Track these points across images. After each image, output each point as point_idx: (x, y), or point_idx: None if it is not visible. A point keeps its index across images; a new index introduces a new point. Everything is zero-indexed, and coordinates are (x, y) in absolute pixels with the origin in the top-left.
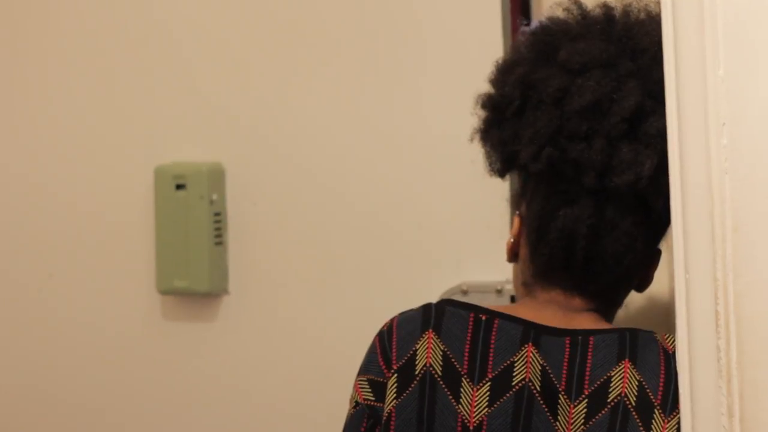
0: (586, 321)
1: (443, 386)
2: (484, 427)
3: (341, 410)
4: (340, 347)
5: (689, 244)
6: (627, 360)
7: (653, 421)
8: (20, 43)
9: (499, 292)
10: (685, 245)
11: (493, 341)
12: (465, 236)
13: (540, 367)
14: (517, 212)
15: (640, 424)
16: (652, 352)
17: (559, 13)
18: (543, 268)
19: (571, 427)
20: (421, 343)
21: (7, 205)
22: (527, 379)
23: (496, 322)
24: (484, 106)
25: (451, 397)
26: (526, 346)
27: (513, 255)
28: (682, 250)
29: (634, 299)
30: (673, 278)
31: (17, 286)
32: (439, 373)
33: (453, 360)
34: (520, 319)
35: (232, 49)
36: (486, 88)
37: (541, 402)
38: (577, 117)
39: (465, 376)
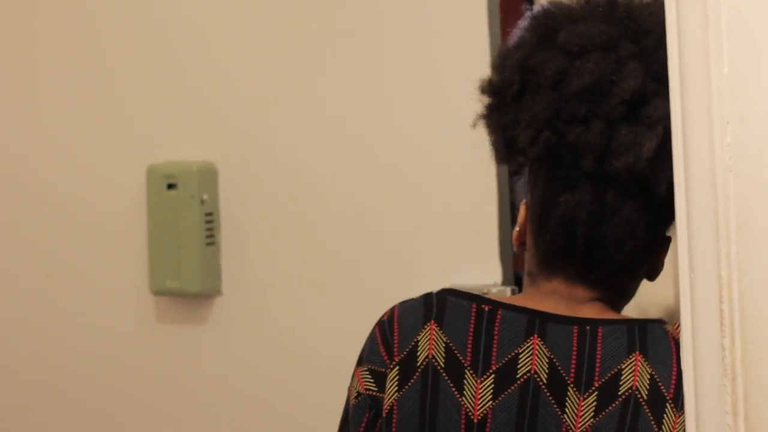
0: (591, 311)
1: (446, 378)
2: (489, 420)
3: (334, 411)
4: (332, 348)
5: (693, 243)
6: (638, 353)
7: (665, 415)
8: (14, 43)
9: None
10: (689, 244)
11: (496, 332)
12: (454, 240)
13: (547, 360)
14: (524, 200)
15: (651, 418)
16: (663, 344)
17: None
18: (545, 255)
19: (580, 420)
20: (422, 334)
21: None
22: (533, 371)
23: (499, 312)
24: (484, 91)
25: (454, 389)
26: (531, 338)
27: (519, 245)
28: (687, 248)
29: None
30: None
31: (10, 286)
32: (442, 365)
33: (456, 352)
34: (525, 308)
35: (225, 49)
36: (478, 90)
37: (548, 394)
38: (575, 99)
39: (468, 368)
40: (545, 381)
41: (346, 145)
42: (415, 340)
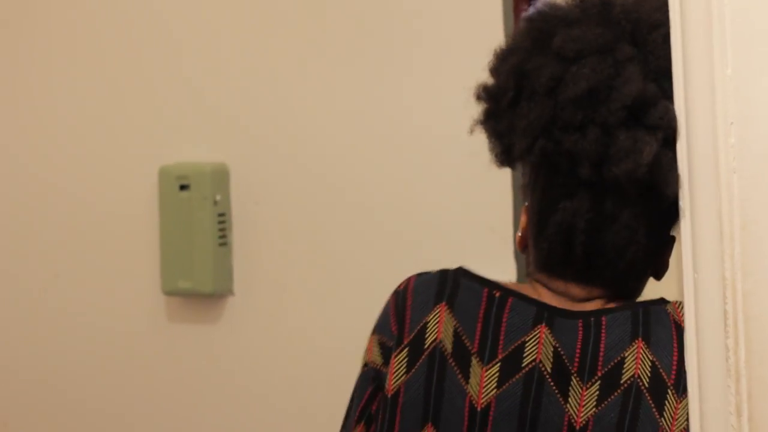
0: (596, 305)
1: (453, 365)
2: (492, 409)
3: (344, 410)
4: (343, 347)
5: (698, 243)
6: (640, 339)
7: (666, 402)
8: (25, 44)
9: None
10: (693, 244)
11: (505, 319)
12: (468, 237)
13: (552, 349)
14: (525, 204)
15: (653, 406)
16: (665, 327)
17: None
18: (544, 262)
19: (582, 410)
20: (432, 316)
21: (12, 206)
22: (538, 360)
23: (509, 300)
24: (479, 97)
25: (460, 375)
26: (539, 326)
27: (523, 248)
28: (691, 249)
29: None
30: (682, 278)
31: (23, 287)
32: (449, 351)
33: (464, 337)
34: (534, 300)
35: (236, 50)
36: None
37: (552, 384)
38: (571, 106)
39: (475, 355)
40: (549, 370)
41: (358, 145)
42: (425, 320)
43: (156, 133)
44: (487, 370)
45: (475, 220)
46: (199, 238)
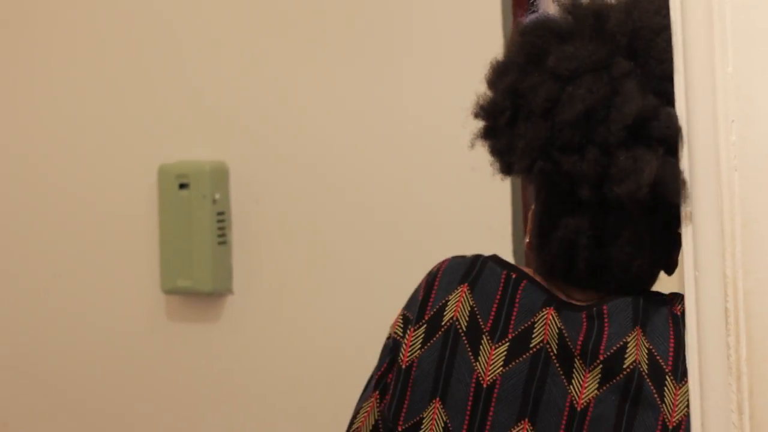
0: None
1: (465, 342)
2: (497, 387)
3: (345, 409)
4: (343, 346)
5: (699, 241)
6: (639, 327)
7: (665, 387)
8: (26, 44)
9: None
10: (694, 242)
11: (518, 300)
12: (467, 237)
13: (557, 330)
14: (532, 207)
15: (654, 391)
16: (661, 316)
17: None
18: (548, 271)
19: (585, 392)
20: (453, 295)
21: (12, 206)
22: (545, 341)
23: (523, 282)
24: (477, 115)
25: (470, 353)
26: (547, 308)
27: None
28: (692, 247)
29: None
30: (683, 275)
31: (23, 287)
32: (464, 329)
33: (479, 317)
34: (545, 288)
35: (235, 49)
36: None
37: (557, 365)
38: (568, 128)
39: (486, 334)
40: (555, 351)
41: (358, 145)
42: (447, 299)
43: (155, 132)
44: (495, 349)
45: (475, 220)
46: (198, 236)
